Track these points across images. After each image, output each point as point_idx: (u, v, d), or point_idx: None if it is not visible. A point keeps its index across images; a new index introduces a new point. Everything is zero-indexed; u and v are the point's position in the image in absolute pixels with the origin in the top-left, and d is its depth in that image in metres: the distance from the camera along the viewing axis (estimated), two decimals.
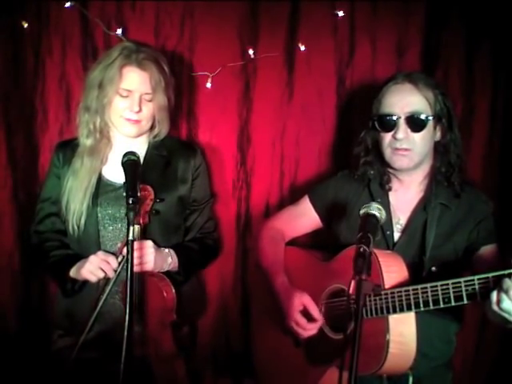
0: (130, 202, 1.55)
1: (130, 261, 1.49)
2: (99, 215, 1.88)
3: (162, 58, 1.91)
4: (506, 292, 1.33)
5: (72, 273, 1.84)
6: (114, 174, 1.93)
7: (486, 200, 1.77)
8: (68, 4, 2.15)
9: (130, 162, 1.71)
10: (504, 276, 1.34)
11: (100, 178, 1.91)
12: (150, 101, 1.87)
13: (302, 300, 1.73)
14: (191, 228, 2.05)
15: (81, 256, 1.86)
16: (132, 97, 1.84)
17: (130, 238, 1.52)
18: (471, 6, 2.13)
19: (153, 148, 1.98)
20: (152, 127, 1.96)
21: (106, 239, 1.89)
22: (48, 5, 2.19)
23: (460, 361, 2.18)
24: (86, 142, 1.91)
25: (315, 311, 1.73)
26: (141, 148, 1.95)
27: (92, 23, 2.19)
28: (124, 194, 1.60)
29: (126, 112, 1.85)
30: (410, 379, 1.69)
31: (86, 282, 1.85)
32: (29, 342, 2.26)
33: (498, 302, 1.35)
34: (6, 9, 2.15)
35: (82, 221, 1.86)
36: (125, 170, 1.69)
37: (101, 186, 1.91)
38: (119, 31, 2.18)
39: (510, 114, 2.18)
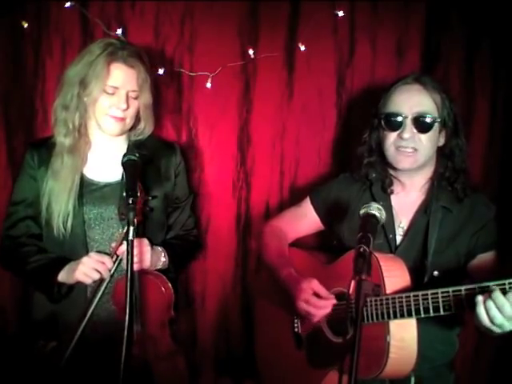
0: (130, 201, 1.55)
1: (130, 261, 1.49)
2: (85, 216, 1.85)
3: (144, 55, 1.89)
4: (500, 308, 1.33)
5: (61, 277, 1.78)
6: (96, 173, 1.90)
7: (487, 203, 1.76)
8: (68, 4, 2.15)
9: (130, 162, 1.71)
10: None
11: (82, 178, 1.86)
12: (135, 98, 1.84)
13: (311, 284, 1.71)
14: (174, 225, 2.04)
15: (66, 259, 1.81)
16: (118, 94, 1.80)
17: (130, 237, 1.51)
18: (471, 6, 2.13)
19: (133, 147, 1.92)
20: (133, 126, 1.92)
21: (93, 240, 1.85)
22: (48, 5, 2.19)
23: (460, 361, 2.18)
24: (64, 141, 1.85)
25: (324, 292, 1.70)
26: (121, 147, 1.92)
27: (92, 23, 2.19)
28: (124, 193, 1.60)
29: (111, 109, 1.81)
30: (412, 380, 1.68)
31: (72, 286, 1.81)
32: (28, 342, 2.26)
33: (491, 319, 1.35)
34: (6, 9, 2.15)
35: (69, 223, 1.81)
36: (125, 170, 1.69)
37: (84, 186, 1.86)
38: (119, 31, 2.18)
39: (510, 114, 2.18)
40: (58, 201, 1.81)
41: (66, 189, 1.82)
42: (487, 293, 1.36)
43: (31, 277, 1.85)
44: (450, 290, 1.43)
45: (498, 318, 1.33)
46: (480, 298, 1.36)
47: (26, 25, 2.18)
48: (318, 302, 1.69)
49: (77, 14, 2.19)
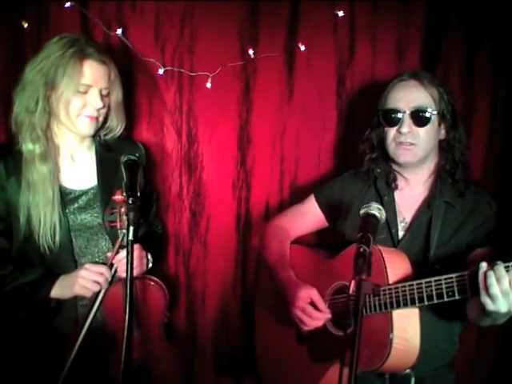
0: (130, 201, 1.54)
1: (130, 261, 1.49)
2: (69, 226, 1.78)
3: (109, 55, 1.83)
4: (498, 280, 1.36)
5: (55, 292, 1.72)
6: (71, 180, 1.83)
7: (489, 201, 1.78)
8: (68, 4, 2.14)
9: (130, 162, 1.69)
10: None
11: (59, 187, 1.78)
12: (106, 96, 1.80)
13: (310, 293, 1.73)
14: (143, 223, 2.00)
15: (52, 274, 1.74)
16: (91, 92, 1.74)
17: (130, 238, 1.51)
18: (471, 6, 2.13)
19: (101, 149, 1.89)
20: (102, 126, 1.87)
21: (78, 250, 1.81)
22: (48, 5, 2.18)
23: (460, 361, 2.17)
24: (33, 148, 1.73)
25: (322, 304, 1.72)
26: (89, 150, 1.89)
27: (92, 23, 2.19)
28: (124, 193, 1.59)
29: (85, 109, 1.75)
30: (412, 380, 1.69)
31: (60, 301, 1.76)
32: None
33: (487, 287, 1.38)
34: (5, 8, 2.15)
35: (57, 235, 1.73)
36: (125, 170, 1.68)
37: (62, 195, 1.78)
38: (119, 31, 2.18)
39: (510, 114, 2.18)
40: (41, 214, 1.72)
41: (48, 200, 1.72)
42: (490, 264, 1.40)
43: (13, 297, 1.75)
44: (454, 275, 1.46)
45: (494, 287, 1.36)
46: (483, 265, 1.40)
47: (25, 25, 2.17)
48: (313, 313, 1.71)
49: (77, 14, 2.18)
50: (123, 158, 1.71)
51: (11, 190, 1.74)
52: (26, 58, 2.21)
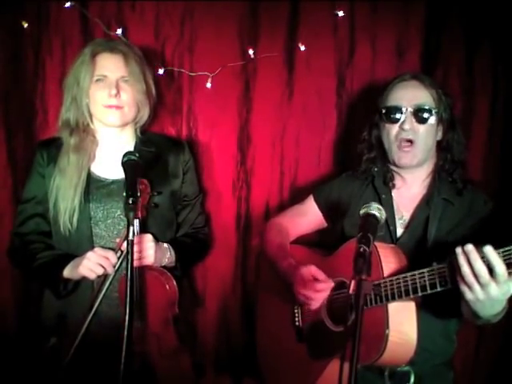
0: (130, 201, 1.54)
1: (129, 261, 1.49)
2: (91, 212, 1.86)
3: (135, 49, 1.93)
4: (469, 260, 1.35)
5: (66, 272, 1.81)
6: (103, 170, 1.92)
7: (486, 200, 1.78)
8: (68, 4, 2.15)
9: (130, 162, 1.70)
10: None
11: (89, 175, 1.89)
12: (128, 85, 1.85)
13: (310, 269, 1.74)
14: (183, 223, 2.05)
15: (72, 255, 1.83)
16: (108, 82, 1.83)
17: (130, 237, 1.51)
18: (471, 6, 2.13)
19: (141, 144, 1.96)
20: (136, 117, 1.94)
21: (99, 237, 1.87)
22: (48, 5, 2.19)
23: (460, 361, 2.18)
24: (69, 140, 1.89)
25: (321, 275, 1.73)
26: (128, 143, 1.94)
27: (92, 23, 2.20)
28: (124, 193, 1.59)
29: (104, 99, 1.83)
30: (412, 377, 1.69)
31: (78, 282, 1.83)
32: (29, 342, 2.26)
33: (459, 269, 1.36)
34: (5, 8, 2.15)
35: (75, 219, 1.83)
36: (125, 170, 1.69)
37: (91, 183, 1.88)
38: (119, 31, 2.18)
39: (510, 114, 2.18)
40: (65, 197, 1.84)
41: (72, 185, 1.84)
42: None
43: (38, 273, 1.87)
44: (435, 267, 1.46)
45: (464, 266, 1.35)
46: (458, 250, 1.38)
47: (25, 25, 2.18)
48: (316, 286, 1.72)
49: (77, 13, 2.19)
50: (123, 159, 1.72)
51: (48, 176, 1.89)
52: (26, 58, 2.23)
